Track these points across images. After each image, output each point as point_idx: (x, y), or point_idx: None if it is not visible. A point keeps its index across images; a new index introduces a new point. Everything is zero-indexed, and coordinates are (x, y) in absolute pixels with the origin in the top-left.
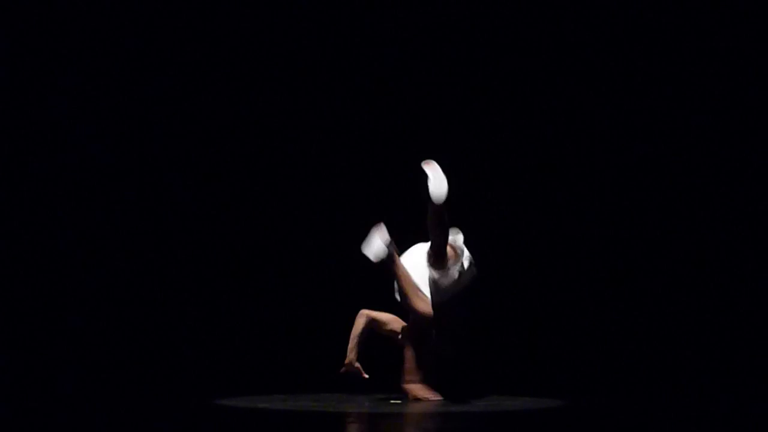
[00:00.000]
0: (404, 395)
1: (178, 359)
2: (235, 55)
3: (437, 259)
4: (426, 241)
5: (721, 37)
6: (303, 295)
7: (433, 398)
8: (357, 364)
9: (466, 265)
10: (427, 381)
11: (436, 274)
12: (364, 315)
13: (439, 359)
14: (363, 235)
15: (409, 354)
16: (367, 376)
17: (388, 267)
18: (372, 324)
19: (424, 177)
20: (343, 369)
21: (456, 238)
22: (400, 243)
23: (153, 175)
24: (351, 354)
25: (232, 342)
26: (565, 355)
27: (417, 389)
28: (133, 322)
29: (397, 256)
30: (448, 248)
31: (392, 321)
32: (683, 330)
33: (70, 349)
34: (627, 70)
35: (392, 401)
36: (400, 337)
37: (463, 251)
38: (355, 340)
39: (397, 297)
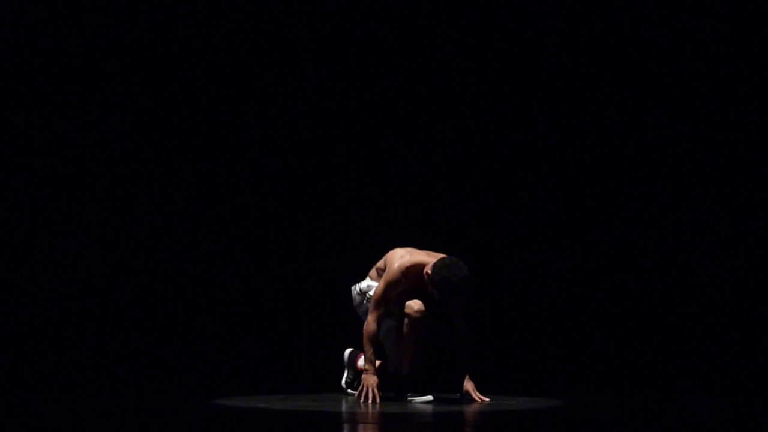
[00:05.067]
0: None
1: (178, 359)
2: (240, 64)
3: None
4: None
5: (721, 38)
6: (303, 295)
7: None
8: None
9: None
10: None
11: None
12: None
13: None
14: (360, 236)
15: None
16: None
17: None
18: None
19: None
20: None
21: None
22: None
23: (153, 175)
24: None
25: (232, 342)
26: (565, 355)
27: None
28: (133, 322)
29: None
30: None
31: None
32: (683, 329)
33: (70, 349)
34: (625, 73)
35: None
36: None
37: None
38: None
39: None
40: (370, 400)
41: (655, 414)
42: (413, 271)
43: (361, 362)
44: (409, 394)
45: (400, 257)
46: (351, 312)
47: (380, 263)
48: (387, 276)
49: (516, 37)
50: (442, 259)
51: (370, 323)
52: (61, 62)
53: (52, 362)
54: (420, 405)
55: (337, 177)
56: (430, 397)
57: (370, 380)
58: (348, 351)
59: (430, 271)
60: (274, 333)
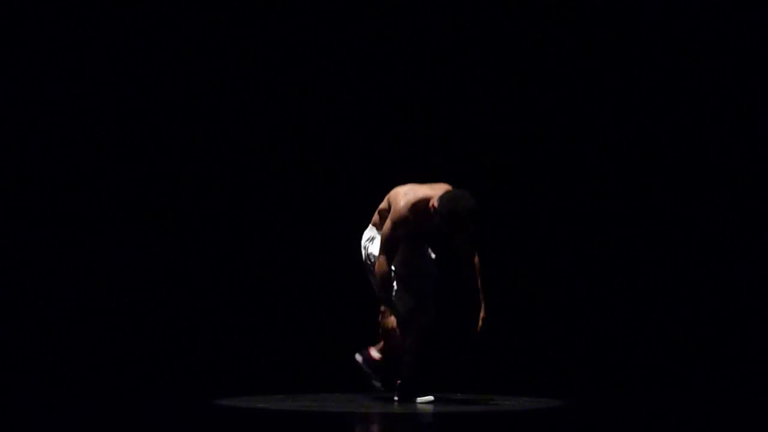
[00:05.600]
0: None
1: (178, 359)
2: (234, 63)
3: None
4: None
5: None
6: (303, 295)
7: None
8: None
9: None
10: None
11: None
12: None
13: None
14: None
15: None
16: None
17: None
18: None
19: None
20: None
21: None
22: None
23: (152, 176)
24: None
25: (232, 342)
26: (565, 355)
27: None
28: (134, 322)
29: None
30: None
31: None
32: (683, 329)
33: (72, 348)
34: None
35: (393, 400)
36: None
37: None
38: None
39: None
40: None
41: (655, 414)
42: (419, 207)
43: (374, 353)
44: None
45: (404, 194)
46: (350, 312)
47: (383, 204)
48: (394, 215)
49: None
50: (448, 191)
51: (382, 264)
52: (61, 62)
53: (53, 362)
54: (420, 405)
55: (336, 176)
56: (430, 398)
57: (390, 321)
58: (358, 355)
59: (436, 204)
60: (274, 333)
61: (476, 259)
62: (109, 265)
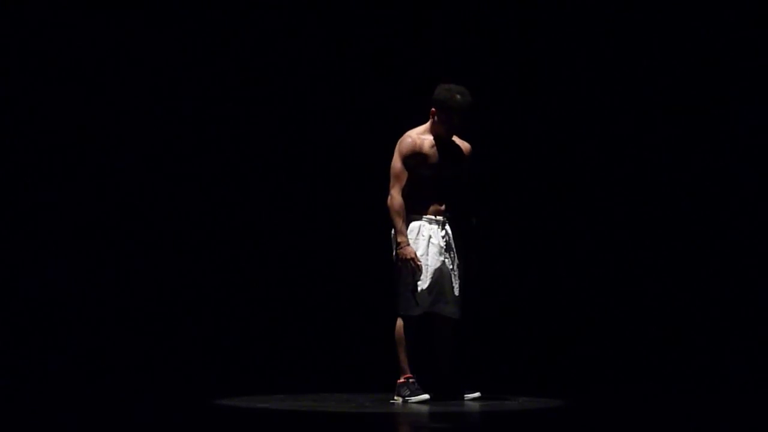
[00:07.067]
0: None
1: (178, 359)
2: (233, 56)
3: None
4: None
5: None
6: (303, 294)
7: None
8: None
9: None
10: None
11: None
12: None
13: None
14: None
15: None
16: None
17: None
18: None
19: None
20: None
21: None
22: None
23: (153, 174)
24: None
25: (232, 342)
26: (565, 355)
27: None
28: (134, 322)
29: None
30: None
31: None
32: (683, 329)
33: (71, 349)
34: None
35: (392, 401)
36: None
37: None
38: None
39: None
40: (415, 274)
41: (655, 414)
42: (422, 131)
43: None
44: (407, 395)
45: (407, 133)
46: (350, 312)
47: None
48: (400, 148)
49: None
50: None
51: (394, 196)
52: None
53: (53, 361)
54: (416, 405)
55: (337, 177)
56: (426, 396)
57: (408, 252)
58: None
59: (434, 107)
60: (274, 333)
61: (472, 205)
62: (110, 264)
